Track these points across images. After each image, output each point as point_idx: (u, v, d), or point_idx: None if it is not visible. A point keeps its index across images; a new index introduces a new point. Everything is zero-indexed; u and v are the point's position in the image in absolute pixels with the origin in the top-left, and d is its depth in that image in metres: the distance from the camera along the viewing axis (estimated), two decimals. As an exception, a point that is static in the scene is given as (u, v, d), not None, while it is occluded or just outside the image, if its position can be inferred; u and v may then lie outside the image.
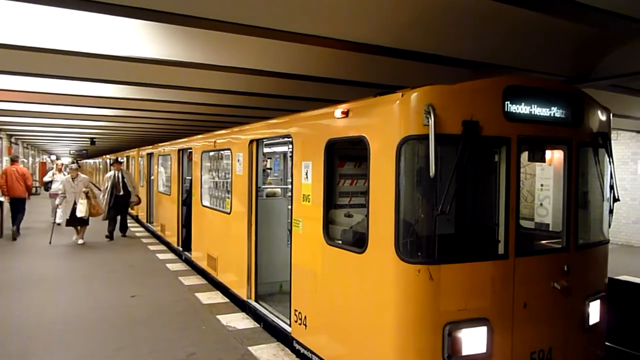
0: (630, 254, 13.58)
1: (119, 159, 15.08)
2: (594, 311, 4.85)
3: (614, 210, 5.23)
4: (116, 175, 13.85)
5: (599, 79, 6.68)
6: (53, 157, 53.35)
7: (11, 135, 23.82)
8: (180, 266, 10.29)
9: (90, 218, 12.69)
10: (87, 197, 12.39)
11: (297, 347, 5.50)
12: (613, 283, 6.02)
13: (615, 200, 5.14)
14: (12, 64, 6.53)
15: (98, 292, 8.13)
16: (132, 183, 14.28)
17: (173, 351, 5.58)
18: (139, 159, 17.91)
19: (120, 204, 13.85)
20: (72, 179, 12.74)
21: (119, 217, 13.95)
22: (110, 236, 13.37)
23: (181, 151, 11.74)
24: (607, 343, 5.38)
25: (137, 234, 14.95)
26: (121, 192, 13.74)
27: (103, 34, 5.45)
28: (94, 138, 23.39)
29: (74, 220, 12.50)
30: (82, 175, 13.13)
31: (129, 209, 14.58)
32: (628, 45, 6.07)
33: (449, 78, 4.95)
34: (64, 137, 24.39)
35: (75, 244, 12.60)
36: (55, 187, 14.72)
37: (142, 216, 16.95)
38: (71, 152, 39.51)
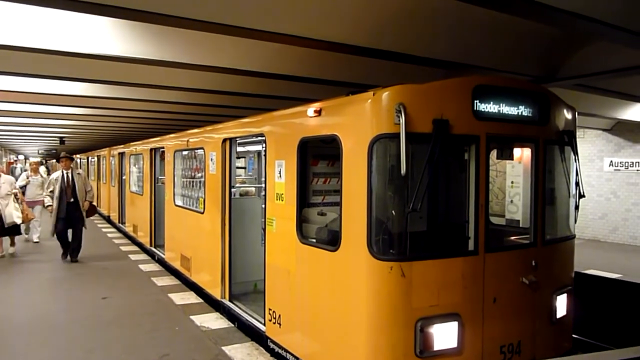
0: (597, 249, 13.98)
1: (63, 154, 11.14)
2: (561, 305, 4.99)
3: (580, 206, 5.37)
4: (65, 176, 10.42)
5: (565, 78, 6.86)
6: (21, 157, 51.71)
7: (-24, 135, 23.12)
8: (153, 267, 10.16)
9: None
10: (17, 199, 10.66)
11: (272, 346, 5.50)
12: (580, 277, 6.20)
13: (581, 196, 5.29)
14: (-24, 62, 6.35)
15: (68, 294, 7.97)
16: (86, 186, 10.81)
17: (145, 352, 5.52)
18: (111, 158, 17.60)
19: (71, 215, 10.32)
20: None
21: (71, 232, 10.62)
22: (67, 255, 10.53)
23: (153, 150, 11.59)
24: (574, 335, 5.52)
25: (109, 235, 14.70)
26: (72, 199, 10.34)
27: (71, 32, 5.34)
28: (64, 137, 22.88)
29: (5, 230, 10.54)
30: (5, 176, 11.11)
31: (83, 222, 10.61)
32: (592, 46, 6.25)
33: (423, 78, 5.03)
34: (32, 136, 23.78)
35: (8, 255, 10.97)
36: (32, 192, 12.48)
37: (114, 216, 16.68)
38: (40, 151, 38.54)
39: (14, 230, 10.74)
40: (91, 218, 18.79)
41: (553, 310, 4.87)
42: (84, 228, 10.60)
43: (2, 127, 17.84)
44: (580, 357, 4.60)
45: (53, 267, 10.00)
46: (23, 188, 12.04)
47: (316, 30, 4.95)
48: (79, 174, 10.88)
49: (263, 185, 6.18)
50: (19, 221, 10.53)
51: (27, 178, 12.81)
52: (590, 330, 6.74)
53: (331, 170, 5.64)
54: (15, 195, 10.69)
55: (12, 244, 11.21)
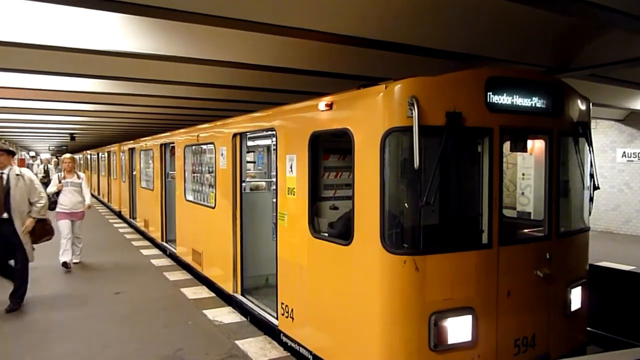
0: (610, 241, 13.86)
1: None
2: (576, 297, 4.95)
3: (594, 198, 5.32)
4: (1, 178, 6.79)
5: (579, 69, 6.77)
6: (32, 154, 51.82)
7: (-12, 132, 23.35)
8: (165, 261, 10.23)
9: None
10: None
11: (285, 340, 5.52)
12: (594, 269, 6.14)
13: (595, 188, 5.23)
14: (-13, 59, 6.39)
15: (81, 289, 8.05)
16: (31, 195, 6.97)
17: (160, 347, 5.56)
18: (121, 154, 17.69)
19: (6, 239, 6.75)
20: None
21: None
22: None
23: (163, 146, 11.63)
24: (588, 328, 5.49)
25: (120, 230, 14.81)
26: (4, 215, 6.67)
27: (81, 28, 5.35)
28: (74, 133, 23.05)
29: None
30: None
31: (25, 252, 6.85)
32: (606, 36, 6.16)
33: (434, 70, 4.99)
34: (43, 133, 23.97)
35: None
36: (70, 200, 9.35)
37: (125, 212, 16.79)
38: (51, 148, 38.88)
39: None
40: (102, 213, 19.06)
41: (567, 303, 4.84)
42: (28, 262, 6.93)
43: (13, 124, 18.00)
44: (594, 357, 4.54)
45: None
46: (54, 196, 9.23)
47: (326, 23, 4.92)
48: (22, 175, 6.95)
49: (273, 179, 6.18)
50: None
51: (59, 181, 9.46)
52: (605, 322, 6.68)
53: (343, 164, 5.62)
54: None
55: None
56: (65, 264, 9.24)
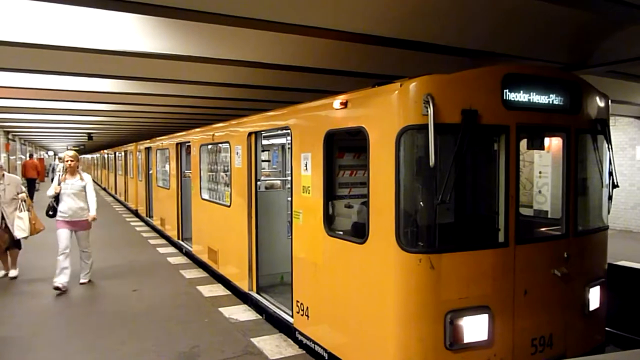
0: (629, 239, 13.64)
1: None
2: (594, 297, 4.89)
3: (613, 196, 5.25)
4: None
5: (597, 65, 6.66)
6: (51, 153, 52.48)
7: (8, 132, 23.74)
8: (181, 259, 10.32)
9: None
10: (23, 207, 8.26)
11: (300, 337, 5.54)
12: (612, 268, 6.05)
13: (615, 186, 5.16)
14: (8, 61, 6.49)
15: (98, 286, 8.16)
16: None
17: (176, 344, 5.62)
18: (137, 153, 17.88)
19: None
20: None
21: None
22: None
23: (179, 145, 11.73)
24: (607, 328, 5.41)
25: (137, 229, 14.97)
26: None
27: (98, 29, 5.40)
28: (92, 133, 23.35)
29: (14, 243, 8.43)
30: (11, 175, 8.78)
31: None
32: (625, 31, 6.04)
33: (449, 67, 4.94)
34: (61, 132, 24.33)
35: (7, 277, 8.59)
36: (64, 207, 7.87)
37: (142, 210, 16.97)
38: (68, 147, 39.42)
39: (16, 244, 8.56)
40: (119, 211, 19.31)
41: (586, 302, 4.78)
42: None
43: (33, 124, 18.30)
44: (611, 356, 4.46)
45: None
46: (53, 201, 7.91)
47: (341, 22, 4.91)
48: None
49: (288, 178, 6.19)
50: (23, 235, 8.24)
51: (58, 183, 7.99)
52: (624, 322, 6.58)
53: (358, 162, 5.62)
54: (23, 200, 8.32)
55: (14, 264, 8.72)
56: (57, 288, 7.55)
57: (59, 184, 7.92)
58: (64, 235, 7.81)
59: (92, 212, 8.01)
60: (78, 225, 8.00)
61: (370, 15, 4.91)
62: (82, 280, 8.26)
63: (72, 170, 8.08)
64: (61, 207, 7.86)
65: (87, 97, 9.83)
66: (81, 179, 8.11)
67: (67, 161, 8.07)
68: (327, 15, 4.77)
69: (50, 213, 7.91)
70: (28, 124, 18.29)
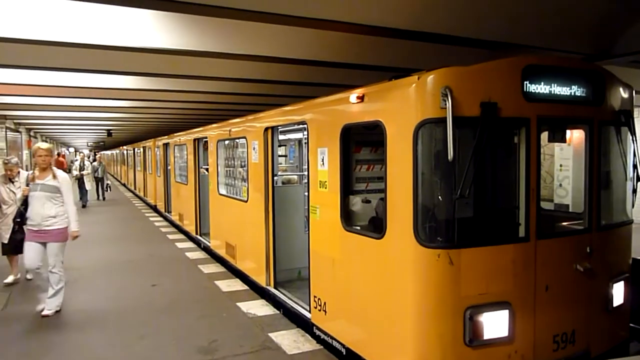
0: (653, 234, 13.33)
1: None
2: (618, 293, 4.78)
3: (638, 190, 5.12)
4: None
5: (620, 55, 6.49)
6: (71, 150, 53.13)
7: (30, 129, 24.17)
8: (199, 254, 10.40)
9: None
10: None
11: (318, 332, 5.53)
12: (637, 264, 5.91)
13: (639, 179, 5.03)
14: (29, 59, 6.59)
15: (118, 281, 8.26)
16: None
17: (195, 338, 5.66)
18: (155, 149, 18.05)
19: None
20: (10, 179, 7.80)
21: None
22: None
23: (197, 140, 11.79)
24: (631, 324, 5.30)
25: (156, 224, 15.12)
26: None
27: (116, 26, 5.44)
28: (111, 129, 23.66)
29: (14, 246, 7.31)
30: (26, 173, 7.43)
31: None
32: (649, 20, 5.89)
33: (466, 59, 4.85)
34: (81, 129, 24.68)
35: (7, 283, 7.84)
36: (31, 213, 6.36)
37: (160, 206, 17.14)
38: (89, 143, 40.01)
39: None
40: (138, 207, 19.65)
41: (609, 298, 4.68)
42: None
43: (54, 121, 18.59)
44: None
45: (105, 253, 10.36)
46: (22, 206, 6.51)
47: (357, 14, 4.85)
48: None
49: (305, 173, 6.18)
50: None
51: (27, 184, 6.55)
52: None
53: (375, 157, 5.57)
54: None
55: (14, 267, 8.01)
56: (45, 316, 6.31)
57: (27, 184, 6.45)
58: (30, 250, 6.25)
59: (74, 227, 6.39)
60: (47, 236, 6.27)
61: (385, 7, 4.84)
62: (45, 312, 6.33)
63: (44, 167, 6.43)
64: (28, 213, 6.34)
65: (106, 93, 9.95)
66: (54, 177, 6.41)
67: (39, 156, 6.43)
68: (342, 8, 4.72)
69: (18, 220, 6.54)
70: (49, 120, 18.60)
